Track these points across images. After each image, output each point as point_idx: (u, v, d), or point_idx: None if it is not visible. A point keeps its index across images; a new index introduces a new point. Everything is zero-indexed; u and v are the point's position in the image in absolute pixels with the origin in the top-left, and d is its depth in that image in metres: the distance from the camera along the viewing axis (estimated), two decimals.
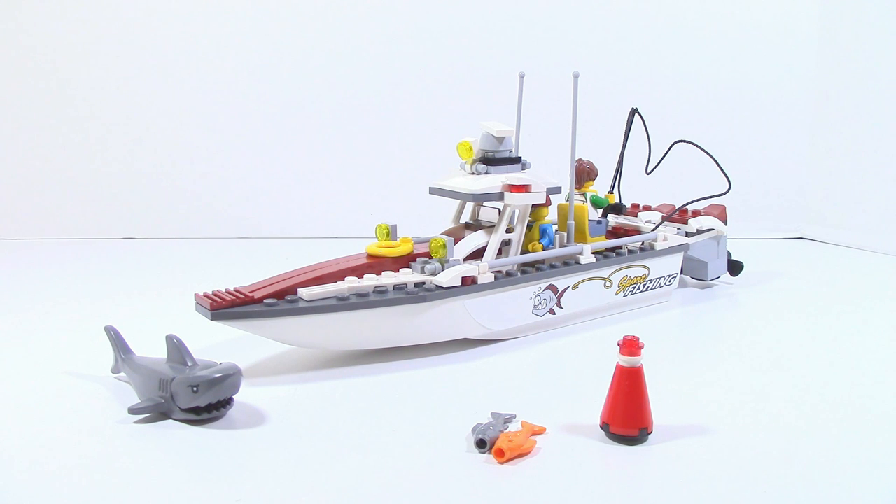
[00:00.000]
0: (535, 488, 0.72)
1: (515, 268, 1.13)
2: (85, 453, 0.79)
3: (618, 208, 1.40)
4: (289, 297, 0.97)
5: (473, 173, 1.14)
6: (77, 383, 0.98)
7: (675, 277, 1.35)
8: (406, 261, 1.09)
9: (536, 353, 1.11)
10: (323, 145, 1.99)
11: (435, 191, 1.17)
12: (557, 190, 1.17)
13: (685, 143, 1.36)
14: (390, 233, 1.14)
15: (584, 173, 1.39)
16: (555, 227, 1.22)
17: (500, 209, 1.17)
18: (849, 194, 1.93)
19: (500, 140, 1.14)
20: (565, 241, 1.20)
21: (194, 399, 0.83)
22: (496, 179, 1.11)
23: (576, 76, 1.19)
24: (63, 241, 1.91)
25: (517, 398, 0.93)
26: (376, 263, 1.07)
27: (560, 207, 1.27)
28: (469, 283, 1.05)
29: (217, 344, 1.10)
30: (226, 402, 0.86)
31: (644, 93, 1.85)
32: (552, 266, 1.16)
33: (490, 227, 1.16)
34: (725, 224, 1.46)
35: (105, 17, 1.91)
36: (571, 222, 1.21)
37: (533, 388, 0.99)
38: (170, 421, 0.86)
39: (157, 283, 1.51)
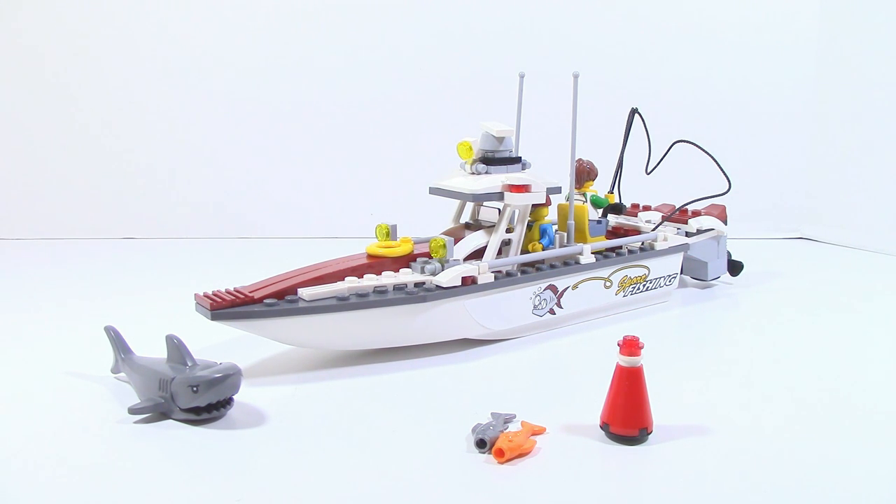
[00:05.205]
0: (535, 488, 0.72)
1: (515, 268, 1.13)
2: (85, 453, 0.79)
3: (618, 208, 1.40)
4: (289, 297, 0.97)
5: (473, 173, 1.14)
6: (77, 383, 0.98)
7: (675, 277, 1.35)
8: (406, 261, 1.09)
9: (536, 353, 1.11)
10: (323, 145, 1.99)
11: (435, 191, 1.17)
12: (557, 190, 1.17)
13: (685, 143, 1.36)
14: (390, 233, 1.14)
15: (584, 173, 1.39)
16: (555, 227, 1.22)
17: (500, 209, 1.17)
18: (849, 194, 1.93)
19: (500, 140, 1.14)
20: (565, 241, 1.20)
21: (194, 399, 0.83)
22: (496, 179, 1.11)
23: (576, 76, 1.19)
24: (63, 241, 1.91)
25: (517, 398, 0.93)
26: (376, 263, 1.07)
27: (560, 207, 1.27)
28: (469, 283, 1.05)
29: (217, 344, 1.10)
30: (226, 402, 0.86)
31: (644, 93, 1.85)
32: (552, 266, 1.16)
33: (490, 227, 1.16)
34: (725, 224, 1.46)
35: (105, 17, 1.91)
36: (571, 222, 1.21)
37: (533, 388, 0.99)
38: (170, 421, 0.86)
39: (157, 283, 1.51)
